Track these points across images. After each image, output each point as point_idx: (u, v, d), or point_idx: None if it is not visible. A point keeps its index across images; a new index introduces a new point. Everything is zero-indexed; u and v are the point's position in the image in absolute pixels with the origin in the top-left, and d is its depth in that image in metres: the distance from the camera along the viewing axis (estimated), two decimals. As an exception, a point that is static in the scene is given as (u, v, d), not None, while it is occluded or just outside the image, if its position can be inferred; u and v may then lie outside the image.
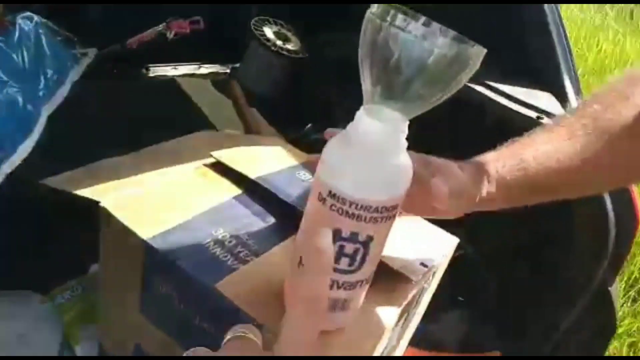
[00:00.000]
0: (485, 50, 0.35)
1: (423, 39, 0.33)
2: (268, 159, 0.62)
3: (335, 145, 0.37)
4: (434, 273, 0.55)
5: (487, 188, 0.47)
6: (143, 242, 0.47)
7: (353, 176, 0.36)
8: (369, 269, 0.40)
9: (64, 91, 0.90)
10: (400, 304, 0.49)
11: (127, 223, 0.48)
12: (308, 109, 1.18)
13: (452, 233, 0.60)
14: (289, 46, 1.18)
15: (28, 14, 0.88)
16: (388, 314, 0.47)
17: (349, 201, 0.36)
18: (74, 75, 0.95)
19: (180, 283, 0.46)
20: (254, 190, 0.57)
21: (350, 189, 0.36)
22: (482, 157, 0.49)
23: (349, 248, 0.38)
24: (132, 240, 0.48)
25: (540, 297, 0.78)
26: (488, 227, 0.89)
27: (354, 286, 0.40)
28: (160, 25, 0.94)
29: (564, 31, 0.81)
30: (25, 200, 0.72)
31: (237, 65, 1.23)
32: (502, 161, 0.48)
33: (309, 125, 1.03)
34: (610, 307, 0.70)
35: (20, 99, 0.74)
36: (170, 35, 0.93)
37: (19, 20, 0.84)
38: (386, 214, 0.37)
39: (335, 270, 0.39)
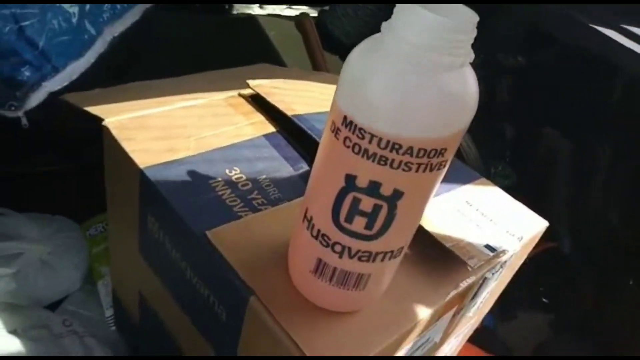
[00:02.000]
0: None
1: None
2: (316, 97, 0.51)
3: (362, 51, 0.26)
4: (505, 262, 0.42)
5: None
6: (139, 171, 0.39)
7: (376, 96, 0.24)
8: (397, 237, 0.29)
9: (132, 16, 0.85)
10: (448, 293, 0.37)
11: (126, 147, 0.40)
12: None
13: (551, 220, 0.45)
14: (383, -12, 1.04)
15: None
16: (427, 304, 0.35)
17: (369, 134, 0.24)
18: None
19: (170, 225, 0.38)
20: (291, 131, 0.46)
21: (370, 116, 0.24)
22: None
23: (367, 204, 0.27)
24: (129, 168, 0.40)
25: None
26: (596, 220, 0.72)
27: (373, 258, 0.29)
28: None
29: None
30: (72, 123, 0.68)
31: (326, 8, 1.12)
32: None
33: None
34: None
35: (75, 13, 0.69)
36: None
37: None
38: (426, 160, 0.25)
39: (346, 231, 0.28)
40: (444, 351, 0.48)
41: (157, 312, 0.46)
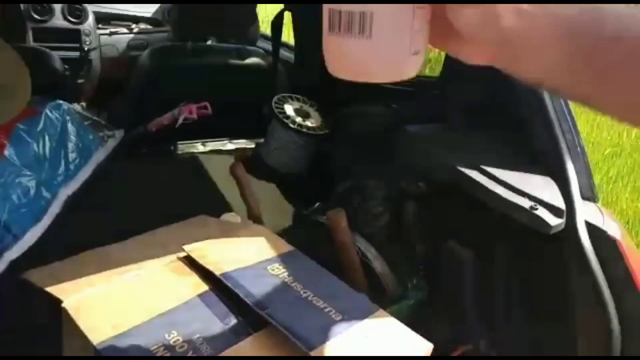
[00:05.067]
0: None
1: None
2: (243, 252, 0.62)
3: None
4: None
5: None
6: (93, 347, 0.48)
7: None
8: None
9: (85, 173, 0.96)
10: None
11: (82, 326, 0.49)
12: (327, 184, 1.18)
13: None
14: (309, 123, 1.20)
15: (57, 102, 0.95)
16: None
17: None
18: (98, 156, 1.01)
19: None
20: (221, 287, 0.57)
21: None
22: None
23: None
24: (86, 344, 0.48)
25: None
26: (505, 320, 0.83)
27: None
28: (176, 110, 0.99)
29: (567, 106, 0.76)
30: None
31: (262, 141, 1.26)
32: None
33: (317, 204, 1.03)
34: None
35: (33, 186, 0.79)
36: (180, 120, 0.97)
37: (47, 109, 0.91)
38: None
39: None
40: None
41: None
